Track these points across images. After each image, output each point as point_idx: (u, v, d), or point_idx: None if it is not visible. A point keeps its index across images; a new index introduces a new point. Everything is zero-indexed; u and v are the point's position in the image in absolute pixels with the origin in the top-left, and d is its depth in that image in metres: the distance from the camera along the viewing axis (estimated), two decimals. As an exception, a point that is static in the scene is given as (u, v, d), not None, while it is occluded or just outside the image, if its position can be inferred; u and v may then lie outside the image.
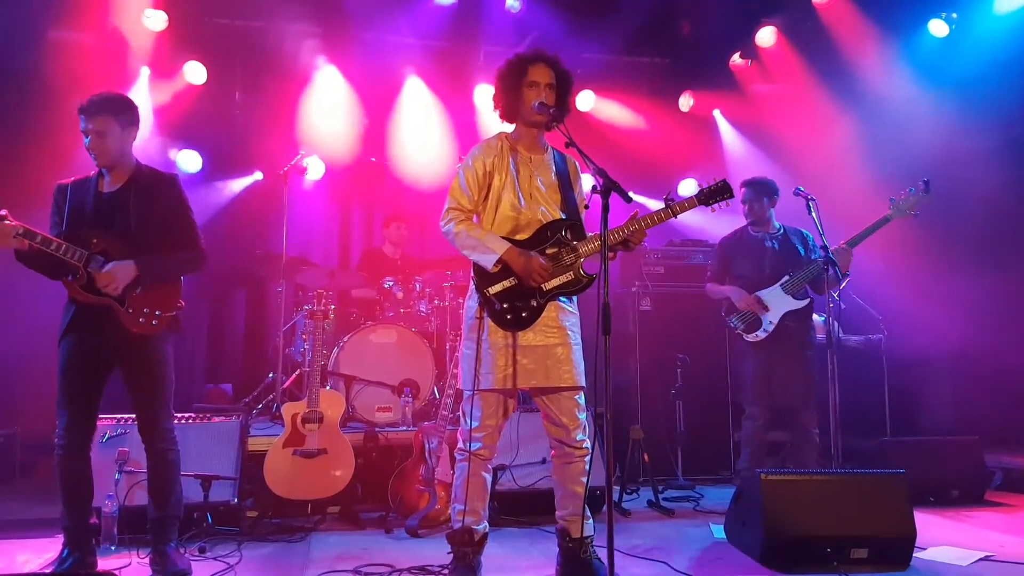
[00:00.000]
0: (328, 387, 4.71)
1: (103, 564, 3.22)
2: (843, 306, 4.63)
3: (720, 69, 6.81)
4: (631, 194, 2.75)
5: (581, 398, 3.10)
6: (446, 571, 3.15)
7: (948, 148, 5.61)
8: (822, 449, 4.37)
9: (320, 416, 4.08)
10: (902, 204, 4.21)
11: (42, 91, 5.48)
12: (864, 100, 6.20)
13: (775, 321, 4.45)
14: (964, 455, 4.68)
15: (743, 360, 4.66)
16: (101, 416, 3.24)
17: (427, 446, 4.11)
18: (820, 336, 4.64)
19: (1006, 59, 5.54)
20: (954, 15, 5.86)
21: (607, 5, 6.20)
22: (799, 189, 4.34)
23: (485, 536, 3.12)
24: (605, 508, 2.56)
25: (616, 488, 4.52)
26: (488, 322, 3.04)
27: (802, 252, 4.55)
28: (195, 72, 6.20)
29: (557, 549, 3.17)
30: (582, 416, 3.09)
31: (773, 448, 4.98)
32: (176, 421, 3.37)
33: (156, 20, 5.83)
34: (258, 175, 6.72)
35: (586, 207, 3.25)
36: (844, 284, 4.23)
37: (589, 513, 3.10)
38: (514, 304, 3.03)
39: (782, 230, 4.67)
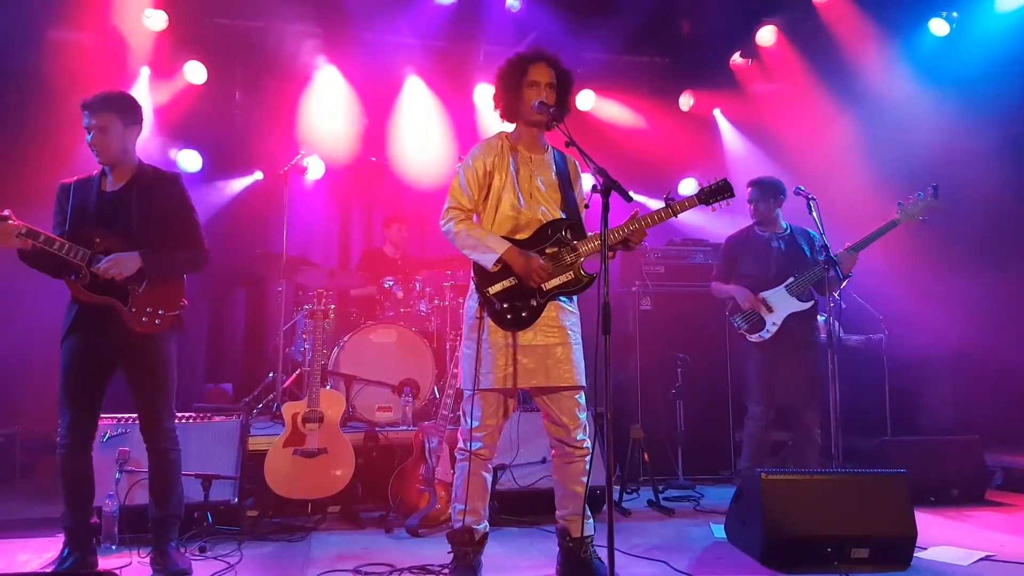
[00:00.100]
0: (328, 387, 4.71)
1: (104, 563, 3.22)
2: (844, 306, 4.62)
3: (720, 68, 6.81)
4: (631, 193, 2.75)
5: (581, 398, 3.10)
6: (446, 571, 3.15)
7: (948, 147, 5.61)
8: (823, 449, 4.37)
9: (320, 416, 4.08)
10: (910, 208, 4.19)
11: (42, 91, 5.48)
12: (864, 99, 6.20)
13: (778, 322, 4.44)
14: (965, 455, 4.68)
15: (746, 359, 4.64)
16: (102, 416, 3.23)
17: (427, 446, 4.11)
18: (822, 336, 4.64)
19: (1007, 58, 5.54)
20: (955, 14, 5.86)
21: (607, 4, 6.19)
22: (800, 188, 4.34)
23: (485, 536, 3.12)
24: (605, 508, 2.56)
25: (616, 488, 4.53)
26: (488, 322, 3.04)
27: (808, 253, 4.52)
28: (195, 72, 6.20)
29: (557, 549, 3.17)
30: (582, 416, 3.09)
31: (774, 448, 4.98)
32: (177, 421, 3.37)
33: (156, 20, 5.83)
34: (258, 175, 6.72)
35: (586, 206, 3.25)
36: (844, 284, 4.23)
37: (589, 513, 3.10)
38: (514, 304, 3.03)
39: (789, 230, 4.64)
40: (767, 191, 4.61)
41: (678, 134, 6.98)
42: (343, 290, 5.85)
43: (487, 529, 3.14)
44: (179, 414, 3.60)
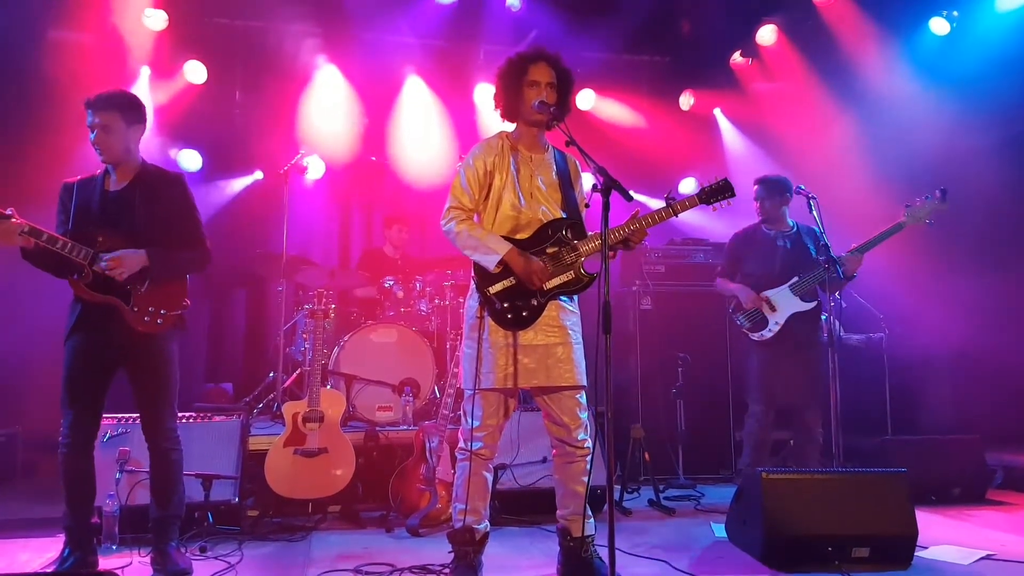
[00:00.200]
0: (329, 386, 4.71)
1: (104, 563, 3.22)
2: (844, 305, 4.62)
3: (721, 68, 6.81)
4: (631, 193, 2.75)
5: (582, 397, 3.10)
6: (447, 570, 3.15)
7: (949, 147, 5.61)
8: (823, 448, 4.37)
9: (321, 415, 4.08)
10: (917, 211, 4.17)
11: (42, 91, 5.48)
12: (865, 98, 6.20)
13: (781, 322, 4.43)
14: (965, 454, 4.68)
15: (747, 358, 4.64)
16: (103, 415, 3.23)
17: (428, 445, 4.11)
18: (824, 336, 4.64)
19: (1007, 57, 5.54)
20: (955, 13, 5.85)
21: (607, 4, 6.19)
22: (800, 187, 4.34)
23: (486, 535, 3.12)
24: (606, 507, 2.56)
25: (617, 487, 4.53)
26: (489, 321, 3.03)
27: (813, 253, 4.49)
28: (195, 71, 6.20)
29: (558, 548, 3.17)
30: (583, 415, 3.09)
31: (775, 447, 4.97)
32: (177, 420, 3.36)
33: (156, 20, 5.83)
34: (258, 174, 6.72)
35: (587, 206, 3.25)
36: (844, 285, 4.23)
37: (590, 512, 3.10)
38: (515, 303, 3.02)
39: (795, 229, 4.61)
40: (773, 189, 4.58)
41: (678, 133, 6.98)
42: (344, 290, 5.85)
43: (488, 529, 3.14)
44: (180, 414, 3.60)
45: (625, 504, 4.46)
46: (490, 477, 3.15)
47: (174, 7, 5.86)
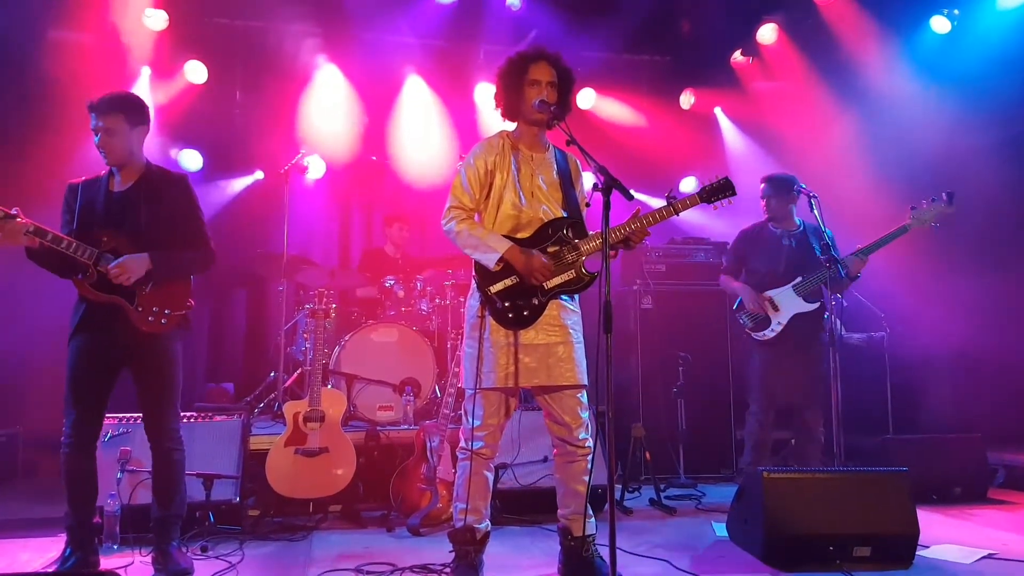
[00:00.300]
0: (330, 386, 4.71)
1: (105, 563, 3.22)
2: (845, 304, 4.62)
3: (721, 67, 6.80)
4: (632, 192, 2.75)
5: (583, 396, 3.10)
6: (448, 570, 3.15)
7: (949, 146, 5.61)
8: (824, 447, 4.36)
9: (322, 415, 4.08)
10: (923, 214, 4.15)
11: (42, 91, 5.48)
12: (865, 97, 6.19)
13: (783, 322, 4.42)
14: (966, 453, 4.67)
15: (749, 357, 4.63)
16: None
17: (428, 445, 4.11)
18: (825, 335, 4.63)
19: (1008, 56, 5.53)
20: (956, 11, 5.85)
21: (608, 3, 6.19)
22: (801, 186, 4.33)
23: (487, 534, 3.12)
24: (607, 506, 2.56)
25: (618, 486, 4.53)
26: (490, 321, 3.03)
27: (818, 252, 4.48)
28: (195, 71, 6.20)
29: (559, 547, 3.17)
30: (584, 415, 3.09)
31: (776, 446, 4.97)
32: (178, 420, 3.37)
33: (156, 19, 5.83)
34: (259, 174, 6.72)
35: (587, 205, 3.24)
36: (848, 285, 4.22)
37: (591, 511, 3.10)
38: (516, 303, 3.02)
39: (802, 228, 4.59)
40: (780, 187, 4.55)
41: (679, 133, 6.98)
42: (344, 289, 5.85)
43: (488, 528, 3.14)
44: (181, 414, 3.60)
45: (626, 503, 4.46)
46: (491, 476, 3.14)
47: (174, 7, 5.86)
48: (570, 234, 3.10)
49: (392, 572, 3.23)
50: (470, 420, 3.04)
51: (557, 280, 3.06)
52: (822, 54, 6.25)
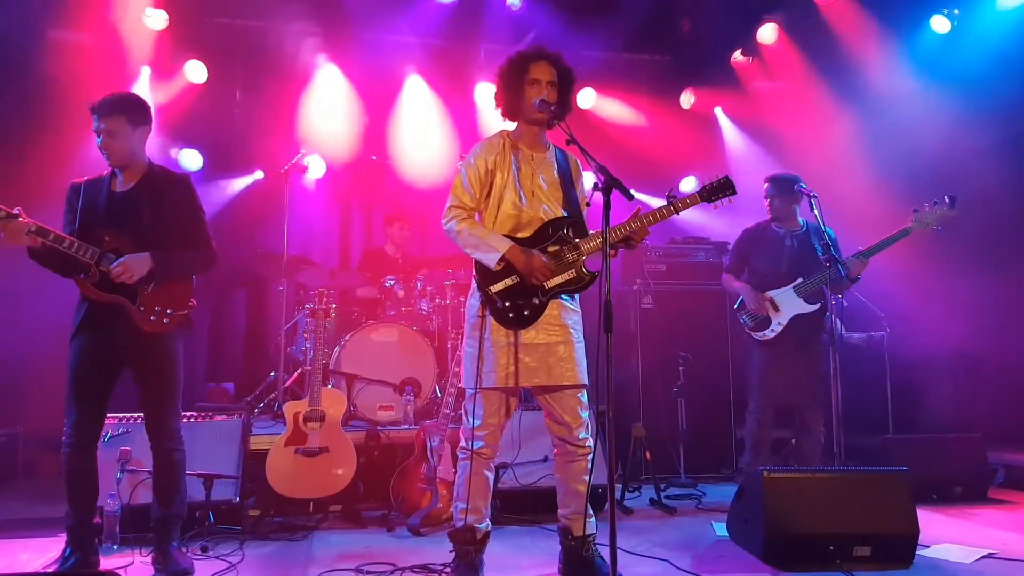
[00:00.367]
0: (330, 386, 4.71)
1: (105, 563, 3.22)
2: (845, 303, 4.61)
3: (721, 66, 6.80)
4: (632, 191, 2.74)
5: (584, 396, 3.10)
6: (448, 570, 3.15)
7: (949, 145, 5.60)
8: (825, 447, 4.36)
9: (322, 415, 4.08)
10: (925, 217, 4.14)
11: (43, 91, 5.48)
12: (866, 97, 6.19)
13: (784, 323, 4.42)
14: (967, 452, 4.67)
15: (749, 357, 4.63)
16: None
17: (429, 444, 4.11)
18: (825, 335, 4.63)
19: (1008, 55, 5.53)
20: (956, 11, 5.85)
21: (608, 2, 6.19)
22: (801, 186, 4.32)
23: (487, 534, 3.12)
24: (607, 506, 2.56)
25: (618, 486, 4.53)
26: (490, 320, 3.03)
27: (820, 253, 4.48)
28: (196, 71, 6.20)
29: (559, 547, 3.17)
30: (585, 414, 3.09)
31: (776, 446, 4.98)
32: (178, 420, 3.37)
33: (156, 19, 5.83)
34: (259, 174, 6.72)
35: (588, 204, 3.24)
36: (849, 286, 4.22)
37: (591, 511, 3.10)
38: (516, 302, 3.02)
39: (805, 228, 4.58)
40: (784, 187, 4.54)
41: (679, 132, 6.98)
42: (344, 289, 5.85)
43: (489, 528, 3.14)
44: (182, 413, 3.60)
45: (626, 503, 4.46)
46: (491, 476, 3.14)
47: (174, 7, 5.86)
48: (570, 233, 3.10)
49: (392, 572, 3.23)
50: (470, 420, 3.04)
51: (557, 280, 3.06)
52: (822, 54, 6.25)
